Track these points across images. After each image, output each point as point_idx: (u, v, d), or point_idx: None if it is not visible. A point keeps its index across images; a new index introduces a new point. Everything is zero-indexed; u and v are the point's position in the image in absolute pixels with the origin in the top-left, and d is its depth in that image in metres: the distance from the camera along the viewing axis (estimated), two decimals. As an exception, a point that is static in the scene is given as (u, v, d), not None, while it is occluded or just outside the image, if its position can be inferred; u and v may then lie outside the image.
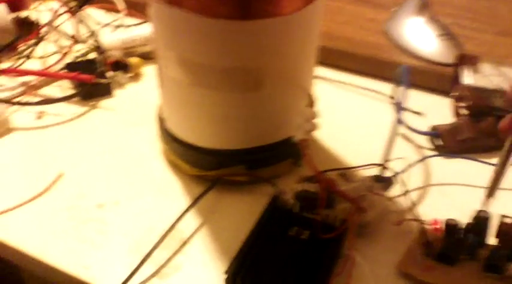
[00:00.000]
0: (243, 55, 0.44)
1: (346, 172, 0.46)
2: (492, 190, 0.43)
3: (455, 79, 0.64)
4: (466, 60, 0.63)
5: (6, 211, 0.48)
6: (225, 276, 0.41)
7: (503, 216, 0.43)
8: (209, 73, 0.45)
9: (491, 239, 0.44)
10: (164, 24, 0.45)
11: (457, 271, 0.42)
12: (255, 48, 0.44)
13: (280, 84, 0.46)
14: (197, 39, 0.43)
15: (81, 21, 0.71)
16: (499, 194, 0.44)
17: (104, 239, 0.46)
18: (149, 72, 0.69)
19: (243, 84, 0.45)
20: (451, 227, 0.44)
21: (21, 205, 0.49)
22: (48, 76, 0.65)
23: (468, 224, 0.44)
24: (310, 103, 0.47)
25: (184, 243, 0.46)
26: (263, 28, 0.43)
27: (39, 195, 0.50)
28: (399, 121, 0.52)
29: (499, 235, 0.43)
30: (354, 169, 0.48)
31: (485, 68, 0.63)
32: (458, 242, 0.44)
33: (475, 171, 0.53)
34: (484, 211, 0.43)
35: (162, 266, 0.44)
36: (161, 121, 0.53)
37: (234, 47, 0.43)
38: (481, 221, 0.43)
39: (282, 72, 0.46)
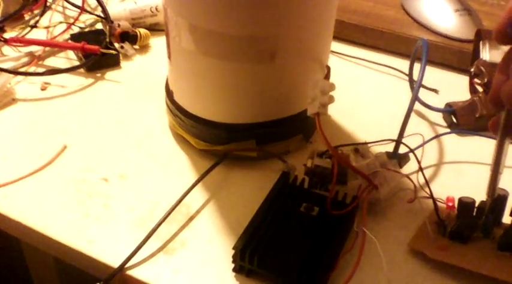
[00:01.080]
0: (258, 23, 0.42)
1: (359, 147, 0.45)
2: (492, 189, 0.41)
3: (473, 56, 0.62)
4: (484, 35, 0.60)
5: (8, 183, 0.47)
6: (233, 252, 0.40)
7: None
8: (221, 42, 0.43)
9: (507, 218, 0.42)
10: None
11: (470, 249, 0.41)
12: (270, 17, 0.42)
13: (295, 55, 0.45)
14: (210, 5, 0.42)
15: (87, -10, 0.70)
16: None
17: (109, 213, 0.45)
18: (157, 44, 0.67)
19: (256, 55, 0.44)
20: (464, 205, 0.43)
21: (24, 177, 0.48)
22: (53, 47, 0.64)
23: (482, 202, 0.42)
24: (327, 75, 0.45)
25: (191, 218, 0.45)
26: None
27: (43, 167, 0.49)
28: (415, 99, 0.51)
29: (515, 213, 0.41)
30: (368, 144, 0.47)
31: (504, 43, 0.61)
32: (472, 220, 0.42)
33: (491, 149, 0.51)
34: (502, 189, 0.42)
35: (168, 242, 0.43)
36: (169, 93, 0.51)
37: (248, 14, 0.42)
38: (497, 199, 0.42)
39: (297, 43, 0.44)
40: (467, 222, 0.42)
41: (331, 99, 0.42)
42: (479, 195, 0.42)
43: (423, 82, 0.59)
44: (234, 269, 0.40)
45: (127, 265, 0.41)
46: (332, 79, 0.49)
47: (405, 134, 0.49)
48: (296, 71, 0.46)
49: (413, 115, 0.56)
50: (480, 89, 0.58)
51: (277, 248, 0.40)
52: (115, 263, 0.41)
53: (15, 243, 0.75)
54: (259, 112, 0.48)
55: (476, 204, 0.43)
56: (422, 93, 0.58)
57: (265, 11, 0.42)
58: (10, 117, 0.55)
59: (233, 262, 0.40)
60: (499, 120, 0.38)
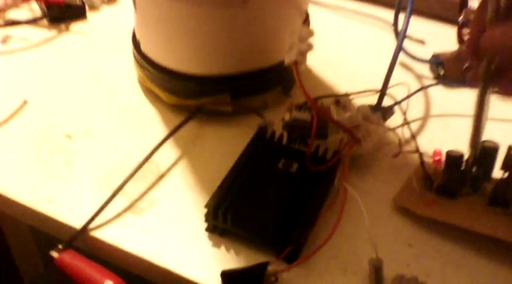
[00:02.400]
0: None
1: (341, 99, 0.42)
2: (474, 142, 0.38)
3: (461, 5, 0.58)
4: (473, -18, 0.57)
5: (-36, 141, 0.44)
6: (205, 210, 0.37)
7: (511, 146, 0.39)
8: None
9: (497, 172, 0.40)
10: None
11: (459, 205, 0.39)
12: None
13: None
14: None
15: None
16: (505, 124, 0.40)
17: (72, 171, 0.42)
18: (126, -6, 0.63)
19: (227, -2, 0.40)
20: (452, 158, 0.40)
21: (-19, 134, 0.44)
22: (13, -3, 0.59)
23: (471, 155, 0.40)
24: (305, 21, 0.42)
25: (161, 177, 0.42)
26: None
27: (1, 124, 0.45)
28: (401, 47, 0.48)
29: (506, 166, 0.39)
30: (350, 96, 0.44)
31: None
32: (460, 174, 0.40)
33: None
34: (491, 141, 0.39)
35: (136, 201, 0.40)
36: (136, 44, 0.48)
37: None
38: (487, 152, 0.39)
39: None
40: (455, 176, 0.40)
41: (310, 47, 0.39)
42: (467, 148, 0.39)
43: (409, 33, 0.56)
44: (207, 229, 0.38)
45: (90, 226, 0.38)
46: (313, 29, 0.46)
47: (389, 85, 0.46)
48: (272, 16, 0.43)
49: (398, 67, 0.53)
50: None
51: (253, 206, 0.37)
52: (78, 224, 0.38)
53: None
54: (234, 63, 0.45)
55: (465, 158, 0.40)
56: (408, 45, 0.55)
57: None
58: (-34, 71, 0.51)
59: (206, 221, 0.38)
60: (478, 72, 0.35)
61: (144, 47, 0.46)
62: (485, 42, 0.31)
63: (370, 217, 0.36)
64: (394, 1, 0.55)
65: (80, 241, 0.38)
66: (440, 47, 0.55)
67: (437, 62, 0.53)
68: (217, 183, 0.38)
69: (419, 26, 0.59)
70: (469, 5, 0.57)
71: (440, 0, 0.61)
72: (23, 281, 0.80)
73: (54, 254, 0.36)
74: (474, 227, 0.37)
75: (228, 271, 0.34)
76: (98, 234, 0.38)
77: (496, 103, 0.37)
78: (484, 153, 0.39)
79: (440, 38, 0.58)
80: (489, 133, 0.38)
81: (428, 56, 0.54)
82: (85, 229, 0.38)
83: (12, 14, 0.59)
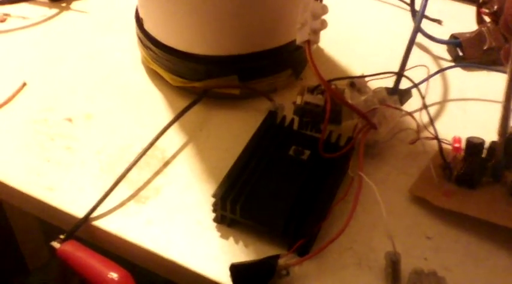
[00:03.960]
0: None
1: (356, 81, 0.40)
2: (503, 128, 0.37)
3: (480, -18, 0.56)
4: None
5: (-40, 125, 0.42)
6: (213, 200, 0.35)
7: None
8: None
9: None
10: None
11: (479, 195, 0.38)
12: None
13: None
14: None
15: None
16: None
17: (73, 157, 0.41)
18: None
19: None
20: (473, 146, 0.39)
21: (-23, 117, 0.43)
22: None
23: (492, 143, 0.39)
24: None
25: (166, 163, 0.41)
26: None
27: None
28: (418, 28, 0.46)
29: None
30: (365, 78, 0.42)
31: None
32: (481, 162, 0.38)
33: (500, 84, 0.47)
34: (515, 128, 0.38)
35: (140, 189, 0.39)
36: (139, 22, 0.46)
37: None
38: (510, 139, 0.38)
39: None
40: (475, 165, 0.38)
41: (324, 24, 0.37)
42: (489, 135, 0.38)
43: (426, 13, 0.54)
44: (215, 219, 0.37)
45: (93, 215, 0.37)
46: (327, 5, 0.44)
47: (407, 67, 0.44)
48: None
49: (415, 48, 0.51)
50: (488, 19, 0.53)
51: (263, 196, 0.36)
52: (79, 213, 0.37)
53: None
54: (242, 43, 0.43)
55: (486, 145, 0.39)
56: (426, 25, 0.53)
57: None
58: (-37, 50, 0.50)
59: (213, 211, 0.36)
60: None
61: (147, 25, 0.45)
62: None
63: (386, 207, 0.34)
64: (410, -21, 0.53)
65: (82, 231, 0.36)
66: (458, 27, 0.53)
67: (455, 43, 0.51)
68: (225, 170, 0.37)
69: (436, 4, 0.57)
70: (489, -17, 0.55)
71: (459, -22, 0.59)
72: (28, 269, 0.80)
73: (56, 244, 0.35)
74: (495, 219, 0.36)
75: (238, 264, 0.33)
76: (101, 224, 0.37)
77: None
78: (507, 140, 0.38)
79: (458, 17, 0.56)
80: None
81: (446, 37, 0.53)
82: (87, 218, 0.36)
83: (11, -8, 0.58)
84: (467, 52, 0.51)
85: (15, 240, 0.75)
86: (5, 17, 0.54)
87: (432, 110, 0.45)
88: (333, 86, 0.41)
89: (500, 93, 0.42)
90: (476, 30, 0.52)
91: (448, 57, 0.52)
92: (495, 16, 0.53)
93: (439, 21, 0.56)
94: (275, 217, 0.34)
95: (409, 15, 0.54)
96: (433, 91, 0.47)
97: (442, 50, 0.53)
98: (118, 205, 0.37)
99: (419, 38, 0.51)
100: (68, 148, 0.41)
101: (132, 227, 0.36)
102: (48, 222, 0.40)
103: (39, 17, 0.54)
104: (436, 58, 0.52)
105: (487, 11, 0.54)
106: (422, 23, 0.53)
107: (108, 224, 0.36)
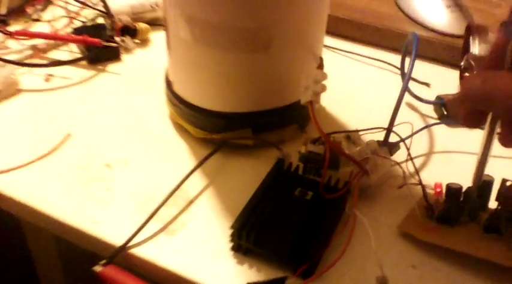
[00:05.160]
0: (253, 14, 0.44)
1: (351, 135, 0.47)
2: (478, 177, 0.43)
3: (463, 50, 0.64)
4: (474, 30, 0.63)
5: (15, 168, 0.49)
6: (230, 232, 0.42)
7: (504, 180, 0.44)
8: (217, 33, 0.45)
9: (493, 203, 0.44)
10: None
11: (457, 232, 0.43)
12: (265, 8, 0.44)
13: (288, 45, 0.47)
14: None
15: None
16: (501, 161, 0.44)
17: (112, 196, 0.47)
18: (157, 38, 0.69)
19: (251, 44, 0.46)
20: (452, 190, 0.44)
21: (30, 163, 0.50)
22: (57, 40, 0.66)
23: (469, 188, 0.44)
24: (320, 66, 0.47)
25: (191, 202, 0.47)
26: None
27: (48, 153, 0.51)
28: (406, 89, 0.53)
29: (499, 197, 0.43)
30: (359, 132, 0.49)
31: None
32: (459, 205, 0.44)
33: (478, 139, 0.53)
34: (488, 175, 0.44)
35: (169, 223, 0.45)
36: (169, 84, 0.53)
37: (243, 6, 0.44)
38: (483, 185, 0.44)
39: (291, 33, 0.46)
40: (454, 206, 0.44)
41: (324, 88, 0.44)
42: (466, 182, 0.44)
43: (416, 76, 0.62)
44: (232, 248, 0.42)
45: (130, 244, 0.42)
46: (326, 72, 0.51)
47: (396, 123, 0.51)
48: (290, 60, 0.48)
49: (405, 107, 0.58)
50: None
51: (273, 228, 0.41)
52: (118, 242, 0.43)
53: (16, 225, 0.76)
54: (255, 102, 0.50)
55: (463, 190, 0.44)
56: (415, 87, 0.60)
57: (260, 2, 0.44)
58: (16, 106, 0.57)
59: (231, 241, 0.42)
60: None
61: (176, 87, 0.52)
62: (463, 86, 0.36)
63: (376, 240, 0.40)
64: (401, 47, 0.61)
65: (120, 258, 0.42)
66: (444, 89, 0.60)
67: (440, 103, 0.58)
68: (241, 208, 0.43)
69: (425, 69, 0.64)
70: (470, 50, 0.63)
71: (445, 46, 0.66)
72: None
73: (98, 268, 0.41)
74: (471, 252, 0.41)
75: (252, 283, 0.38)
76: (136, 251, 0.42)
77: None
78: (481, 186, 0.44)
79: (444, 81, 0.63)
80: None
81: (433, 98, 0.59)
82: (125, 246, 0.42)
83: (53, 55, 0.65)
84: (451, 111, 0.57)
85: (34, 268, 0.79)
86: (49, 77, 0.61)
87: (418, 160, 0.52)
88: (331, 138, 0.47)
89: (478, 147, 0.48)
90: (460, 92, 0.59)
91: (435, 115, 0.58)
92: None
93: (427, 84, 0.63)
94: (283, 246, 0.40)
95: (399, 78, 0.61)
96: (420, 144, 0.53)
97: (429, 109, 0.59)
98: (150, 236, 0.43)
99: (409, 98, 0.58)
100: (107, 189, 0.48)
101: (162, 255, 0.42)
102: (67, 252, 0.44)
103: (79, 77, 0.61)
104: (424, 116, 0.58)
105: (468, 75, 0.61)
106: (413, 85, 0.60)
107: (142, 252, 0.42)
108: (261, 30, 0.45)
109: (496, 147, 0.41)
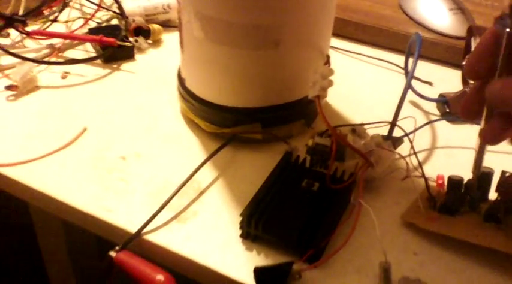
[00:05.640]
0: (264, 12, 0.46)
1: (356, 128, 0.48)
2: (477, 168, 0.44)
3: (465, 51, 0.65)
4: (475, 32, 0.64)
5: (34, 160, 0.51)
6: (239, 220, 0.44)
7: (504, 171, 0.45)
8: (229, 30, 0.47)
9: (493, 195, 0.46)
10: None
11: (458, 221, 0.45)
12: (275, 6, 0.46)
13: (297, 43, 0.49)
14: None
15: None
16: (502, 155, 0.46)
17: (126, 187, 0.49)
18: (169, 39, 0.71)
19: (262, 42, 0.48)
20: (453, 182, 0.46)
21: (48, 154, 0.52)
22: (73, 39, 0.68)
23: (469, 180, 0.46)
24: (327, 62, 0.49)
25: (202, 193, 0.49)
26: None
27: (65, 146, 0.53)
28: (410, 84, 0.55)
29: (498, 188, 0.45)
30: (364, 126, 0.51)
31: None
32: (460, 196, 0.46)
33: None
34: (488, 167, 0.45)
35: (181, 212, 0.47)
36: (181, 80, 0.55)
37: (255, 4, 0.46)
38: (483, 177, 0.45)
39: (300, 31, 0.48)
40: (455, 198, 0.45)
41: (331, 83, 0.46)
42: (467, 175, 0.45)
43: (419, 76, 0.64)
44: (241, 235, 0.44)
45: (144, 231, 0.44)
46: (333, 69, 0.53)
47: (399, 118, 0.52)
48: (298, 57, 0.50)
49: (408, 105, 0.60)
50: (471, 81, 0.61)
51: (281, 216, 0.43)
52: (132, 229, 0.45)
53: (24, 213, 0.78)
54: (265, 97, 0.52)
55: (464, 182, 0.46)
56: (418, 86, 0.62)
57: (271, 3, 0.46)
58: (34, 102, 0.59)
59: (240, 228, 0.44)
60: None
61: (188, 84, 0.54)
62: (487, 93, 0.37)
63: (380, 229, 0.42)
64: (405, 48, 0.63)
65: (134, 244, 0.44)
66: (446, 88, 0.62)
67: (443, 101, 0.60)
68: (249, 198, 0.45)
69: (428, 69, 0.66)
70: (471, 51, 0.64)
71: (447, 47, 0.68)
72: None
73: (112, 253, 0.43)
74: (471, 239, 0.43)
75: (260, 267, 0.40)
76: (149, 238, 0.44)
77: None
78: (481, 177, 0.45)
79: (447, 80, 0.65)
80: (485, 161, 0.44)
81: (436, 96, 0.61)
82: (138, 233, 0.44)
83: (69, 54, 0.68)
84: (453, 108, 0.59)
85: (42, 261, 0.81)
86: (65, 74, 0.63)
87: (421, 155, 0.53)
88: (337, 131, 0.49)
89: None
90: (461, 90, 0.60)
91: (437, 113, 0.60)
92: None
93: (430, 83, 0.65)
94: (290, 232, 0.42)
95: (403, 77, 0.63)
96: (423, 139, 0.55)
97: (432, 107, 0.61)
98: (163, 224, 0.45)
99: (413, 96, 0.60)
100: (122, 179, 0.50)
101: (174, 242, 0.44)
102: (76, 244, 0.46)
103: (94, 75, 0.64)
104: (427, 113, 0.60)
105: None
106: (416, 84, 0.62)
107: (155, 239, 0.44)
108: (271, 29, 0.47)
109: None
